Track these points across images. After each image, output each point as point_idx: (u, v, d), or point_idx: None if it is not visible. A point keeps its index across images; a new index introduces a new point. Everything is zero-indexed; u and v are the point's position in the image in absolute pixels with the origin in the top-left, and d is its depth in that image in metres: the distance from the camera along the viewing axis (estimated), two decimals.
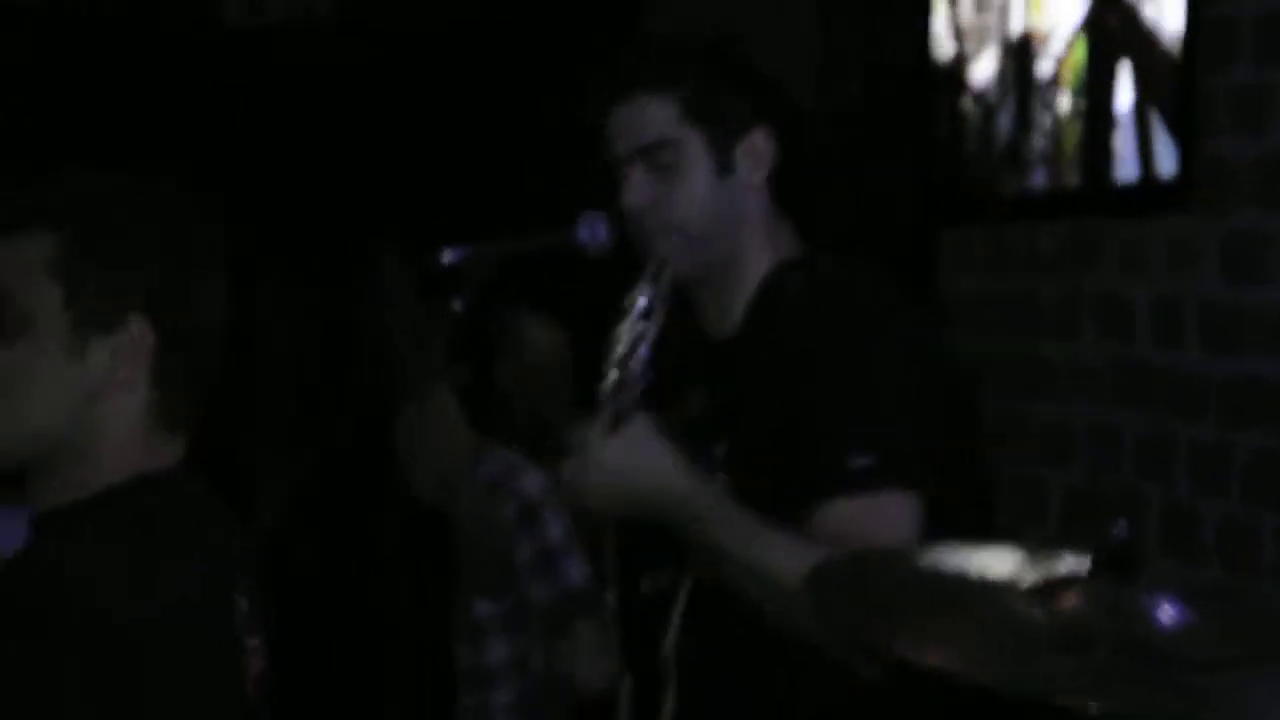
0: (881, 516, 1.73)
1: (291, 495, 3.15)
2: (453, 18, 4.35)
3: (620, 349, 1.80)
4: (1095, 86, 3.02)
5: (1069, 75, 3.11)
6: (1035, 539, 3.22)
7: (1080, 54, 3.08)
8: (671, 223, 1.90)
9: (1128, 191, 2.92)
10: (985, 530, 1.86)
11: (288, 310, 3.45)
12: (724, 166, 1.91)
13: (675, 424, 1.87)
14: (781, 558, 1.72)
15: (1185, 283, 2.83)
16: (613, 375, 1.79)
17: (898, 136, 3.59)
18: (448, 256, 1.93)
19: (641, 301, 1.81)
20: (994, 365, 3.36)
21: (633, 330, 1.80)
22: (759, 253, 1.92)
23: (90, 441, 1.48)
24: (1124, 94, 2.94)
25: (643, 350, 1.80)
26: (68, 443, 1.48)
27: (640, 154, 1.91)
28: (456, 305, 1.95)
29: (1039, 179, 3.20)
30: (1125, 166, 2.93)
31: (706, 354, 1.95)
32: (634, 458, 1.76)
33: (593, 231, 1.96)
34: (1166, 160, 2.83)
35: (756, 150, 1.92)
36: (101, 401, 1.46)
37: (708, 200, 1.90)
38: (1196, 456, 2.81)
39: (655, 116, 1.91)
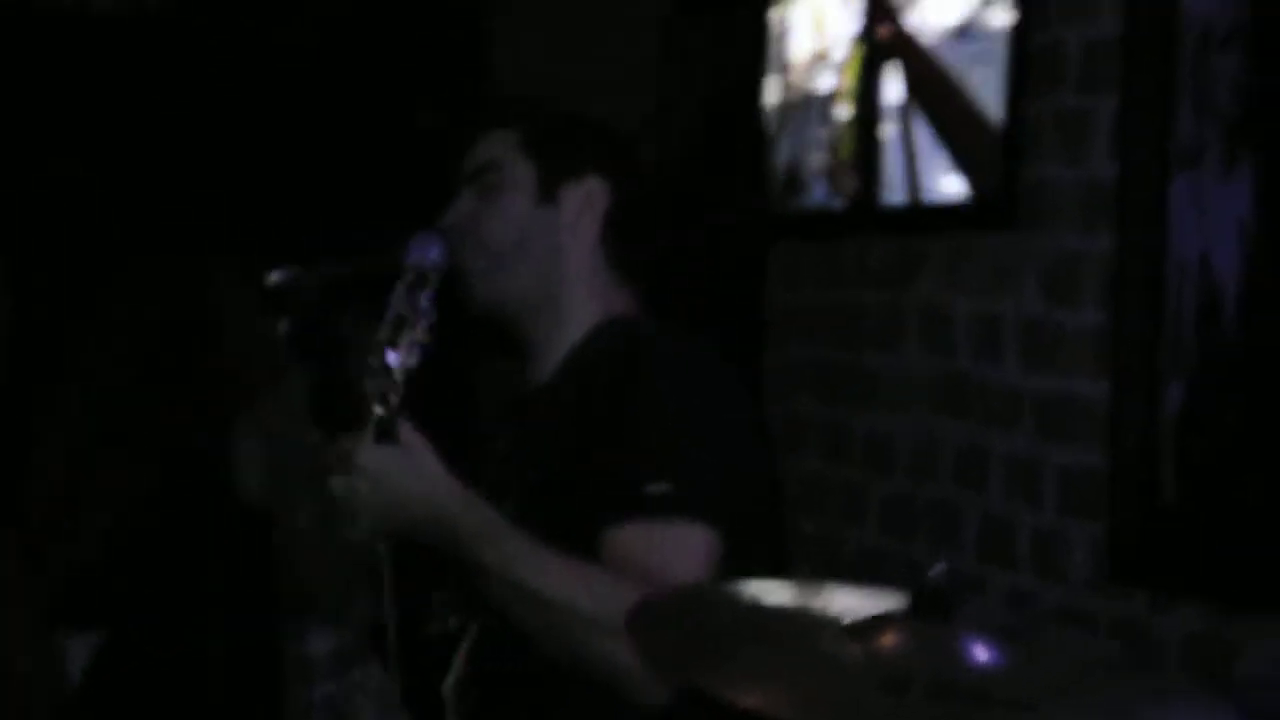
0: (673, 545, 1.73)
1: (120, 512, 3.08)
2: (295, 22, 4.27)
3: (386, 361, 1.76)
4: (866, 97, 3.15)
5: (846, 86, 3.22)
6: (856, 544, 3.29)
7: (856, 63, 3.20)
8: (481, 238, 1.92)
9: (951, 210, 2.98)
10: (783, 567, 1.89)
11: (115, 319, 3.37)
12: (546, 197, 1.93)
13: (484, 470, 1.86)
14: (553, 580, 1.72)
15: (1005, 300, 2.90)
16: (378, 386, 1.75)
17: (730, 161, 3.64)
18: (274, 278, 1.90)
19: (398, 310, 1.78)
20: (820, 375, 3.41)
21: (399, 341, 1.77)
22: (584, 305, 1.94)
23: None
24: (893, 105, 3.09)
25: (400, 361, 1.75)
26: None
27: (471, 176, 1.95)
28: (283, 327, 1.91)
29: (819, 194, 3.30)
30: (893, 186, 3.08)
31: (521, 401, 1.96)
32: (402, 467, 1.72)
33: (424, 252, 1.94)
34: (933, 176, 2.95)
35: (587, 196, 1.94)
36: None
37: (521, 223, 1.92)
38: (1012, 468, 2.89)
39: (493, 144, 1.96)
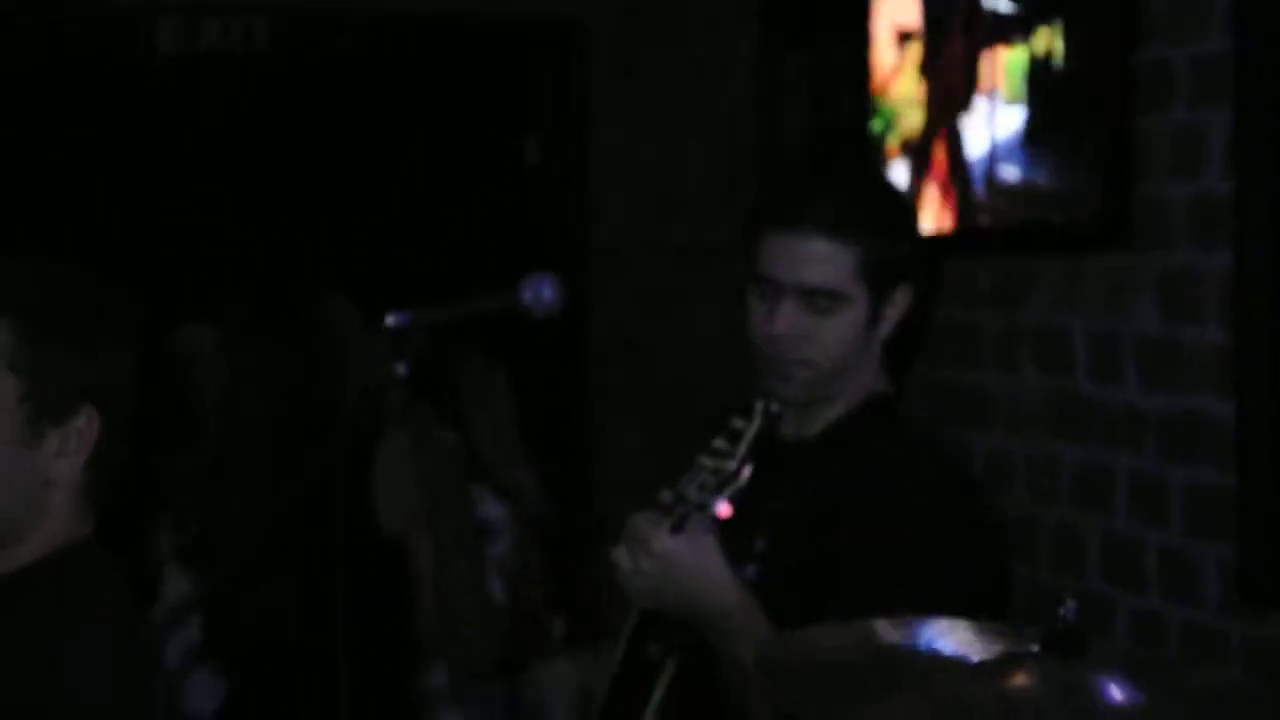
0: None
1: (256, 543, 3.16)
2: (397, 51, 4.32)
3: (712, 469, 1.85)
4: None
5: None
6: None
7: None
8: (809, 357, 1.97)
9: (1062, 229, 2.95)
10: None
11: (234, 357, 3.43)
12: (874, 321, 1.99)
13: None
14: None
15: (1122, 319, 2.87)
16: (698, 488, 1.84)
17: None
18: (392, 320, 1.94)
19: (742, 444, 1.85)
20: (935, 395, 3.40)
21: (733, 461, 1.85)
22: (856, 383, 2.01)
23: (36, 522, 1.51)
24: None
25: (735, 486, 1.84)
26: (16, 523, 1.50)
27: (802, 292, 1.96)
28: (400, 370, 1.95)
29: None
30: (996, 206, 3.06)
31: (773, 446, 1.97)
32: (694, 558, 1.82)
33: (538, 293, 1.97)
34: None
35: (899, 307, 2.01)
36: (51, 487, 1.50)
37: (850, 347, 1.99)
38: (1136, 488, 2.85)
39: (830, 262, 1.95)
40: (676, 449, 1.97)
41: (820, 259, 1.94)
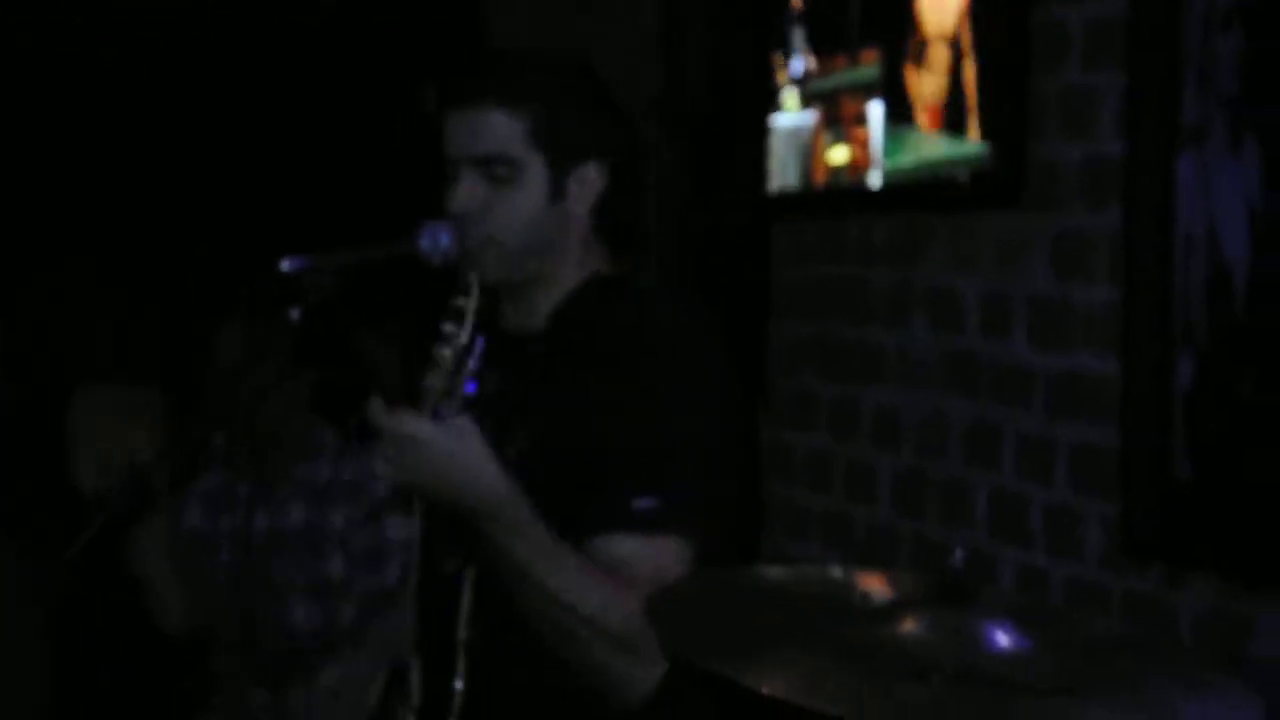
0: (653, 559, 1.80)
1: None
2: (291, 14, 4.26)
3: (449, 353, 1.84)
4: None
5: None
6: (866, 521, 3.30)
7: None
8: (493, 234, 1.95)
9: (957, 187, 2.98)
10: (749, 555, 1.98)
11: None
12: (556, 192, 1.97)
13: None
14: (567, 581, 1.80)
15: (1013, 278, 2.90)
16: (440, 374, 1.83)
17: (734, 135, 3.63)
18: (286, 265, 1.91)
19: (467, 318, 1.86)
20: (827, 350, 3.42)
21: (462, 338, 1.85)
22: (570, 268, 2.00)
23: None
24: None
25: (472, 362, 1.85)
26: None
27: (477, 162, 1.95)
28: (293, 315, 1.92)
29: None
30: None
31: (503, 346, 1.98)
32: (456, 447, 1.79)
33: (435, 240, 1.96)
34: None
35: (588, 180, 1.98)
36: None
37: (533, 221, 1.96)
38: (1023, 445, 2.89)
39: (500, 129, 1.94)
40: None
41: (491, 127, 1.93)
